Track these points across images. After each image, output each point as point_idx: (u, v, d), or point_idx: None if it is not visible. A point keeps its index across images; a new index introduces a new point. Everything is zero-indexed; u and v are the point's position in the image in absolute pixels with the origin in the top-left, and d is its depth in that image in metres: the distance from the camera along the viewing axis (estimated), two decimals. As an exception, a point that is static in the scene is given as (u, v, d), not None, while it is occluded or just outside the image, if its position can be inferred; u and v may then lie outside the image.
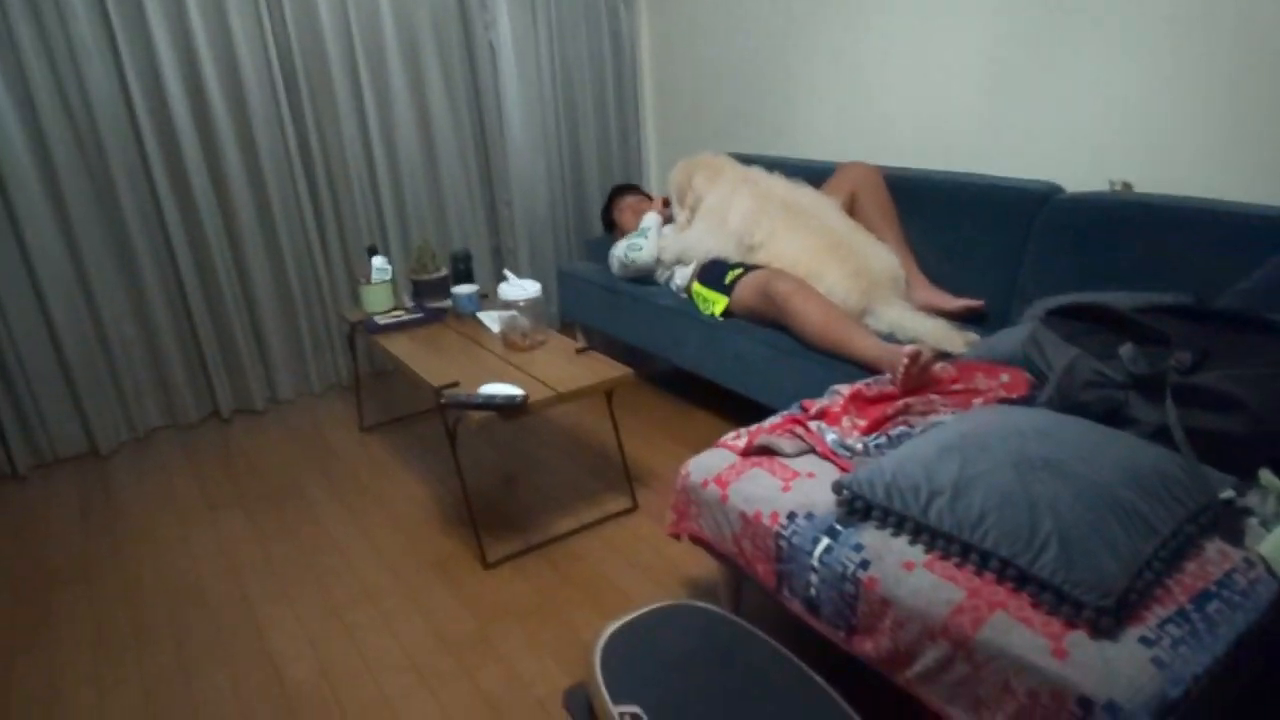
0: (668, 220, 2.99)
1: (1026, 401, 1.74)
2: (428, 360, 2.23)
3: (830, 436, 1.60)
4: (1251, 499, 1.33)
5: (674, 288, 2.83)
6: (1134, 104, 2.15)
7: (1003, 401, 1.74)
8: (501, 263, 3.64)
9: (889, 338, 2.22)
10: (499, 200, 3.51)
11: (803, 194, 2.57)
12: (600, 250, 3.27)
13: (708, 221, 2.69)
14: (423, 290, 2.71)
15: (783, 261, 2.47)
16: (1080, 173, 2.30)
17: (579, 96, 3.55)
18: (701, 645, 1.34)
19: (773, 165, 2.80)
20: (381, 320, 2.54)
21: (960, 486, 1.30)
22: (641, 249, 2.83)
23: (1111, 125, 2.21)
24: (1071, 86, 2.26)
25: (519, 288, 2.24)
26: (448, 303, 2.69)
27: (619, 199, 3.22)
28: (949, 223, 2.47)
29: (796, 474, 1.55)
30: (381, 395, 3.18)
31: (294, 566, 2.09)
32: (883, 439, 1.59)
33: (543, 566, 2.02)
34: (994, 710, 1.16)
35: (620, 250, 2.91)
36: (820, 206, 2.53)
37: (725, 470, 1.61)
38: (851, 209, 2.60)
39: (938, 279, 2.47)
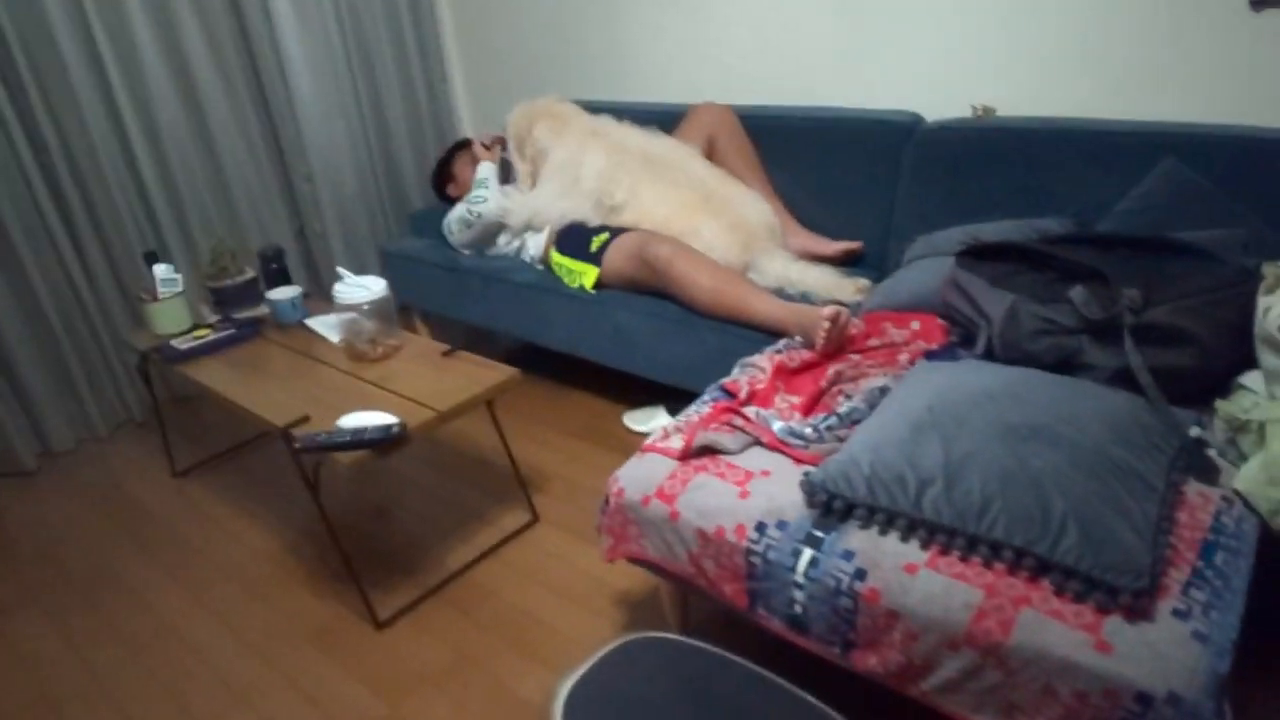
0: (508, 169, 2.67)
1: (951, 352, 1.65)
2: (259, 390, 1.82)
3: (777, 425, 1.42)
4: (1206, 433, 1.31)
5: (527, 258, 2.54)
6: (989, 23, 2.10)
7: (930, 356, 1.64)
8: (309, 249, 3.14)
9: (778, 293, 2.07)
10: (296, 176, 3.00)
11: (660, 144, 2.35)
12: (428, 224, 2.88)
13: (557, 181, 2.40)
14: (227, 299, 2.23)
15: (651, 221, 2.25)
16: (940, 100, 2.24)
17: (373, 44, 3.07)
18: (673, 685, 1.14)
19: (609, 112, 2.54)
20: (182, 344, 2.06)
21: (952, 471, 1.17)
22: (485, 200, 2.50)
23: (968, 47, 2.16)
24: (925, 7, 2.17)
25: (360, 287, 1.87)
26: (262, 311, 2.24)
27: (458, 155, 2.82)
28: (813, 162, 2.35)
29: (750, 474, 1.36)
30: (189, 428, 2.65)
31: (130, 676, 1.65)
32: (832, 419, 1.43)
33: (447, 614, 1.73)
34: (1033, 715, 1.06)
35: (459, 210, 2.56)
36: (682, 157, 2.32)
37: (666, 481, 1.40)
38: (710, 155, 2.41)
39: (809, 223, 2.35)
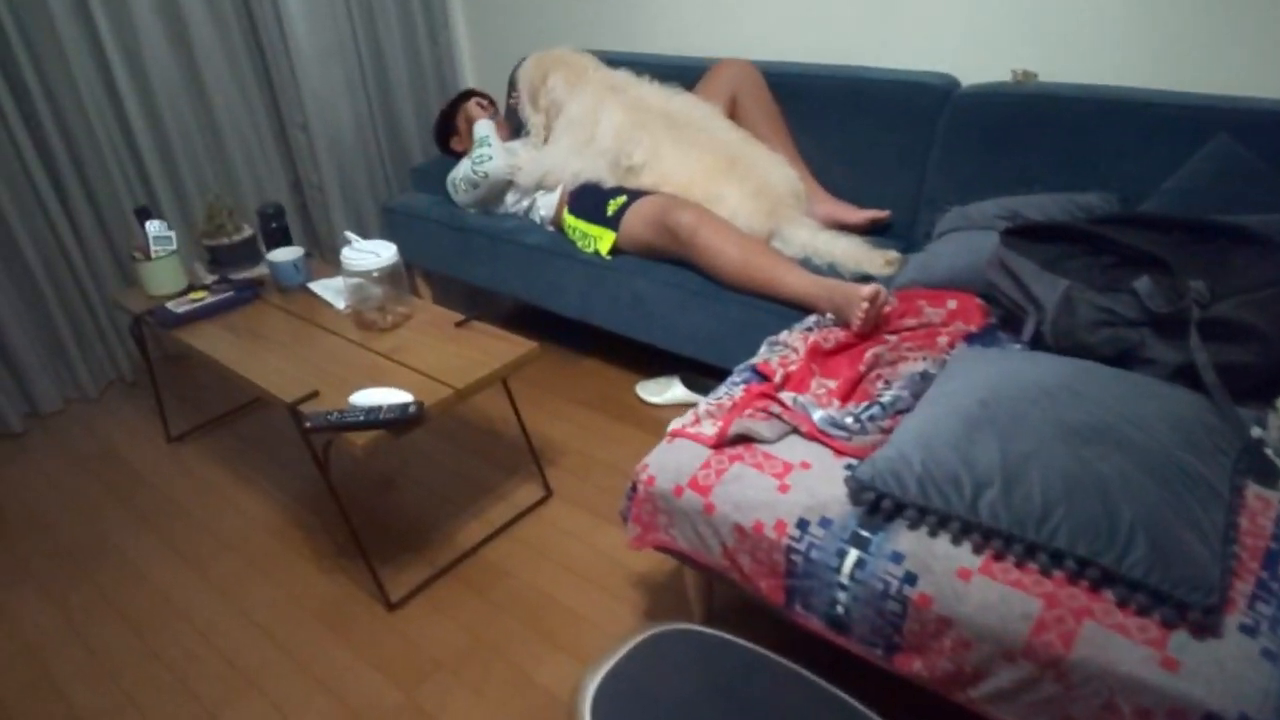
0: (511, 136, 2.55)
1: (992, 335, 1.59)
2: (262, 361, 1.73)
3: (818, 414, 1.36)
4: (1265, 433, 1.25)
5: (537, 219, 2.43)
6: (1034, -17, 1.99)
7: (971, 340, 1.58)
8: (305, 202, 3.01)
9: (804, 264, 1.99)
10: (290, 125, 2.85)
11: (683, 102, 2.23)
12: (430, 179, 2.76)
13: (572, 137, 2.29)
14: (224, 259, 2.12)
15: (672, 184, 2.15)
16: (977, 63, 2.14)
17: (372, -12, 2.90)
18: (706, 683, 1.10)
19: (624, 65, 2.41)
20: (178, 307, 1.95)
21: (1011, 473, 1.11)
22: (491, 158, 2.37)
23: (1008, 6, 2.05)
24: (966, -36, 2.06)
25: (369, 253, 1.77)
26: (261, 271, 2.13)
27: (462, 107, 2.69)
28: (840, 125, 2.25)
29: (789, 466, 1.30)
30: (183, 388, 2.56)
31: (130, 656, 1.60)
32: (875, 408, 1.37)
33: (462, 594, 1.68)
34: (1090, 729, 1.02)
35: (464, 169, 2.44)
36: (705, 116, 2.20)
37: (700, 471, 1.34)
38: (732, 115, 2.30)
39: (834, 189, 2.26)
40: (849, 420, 1.35)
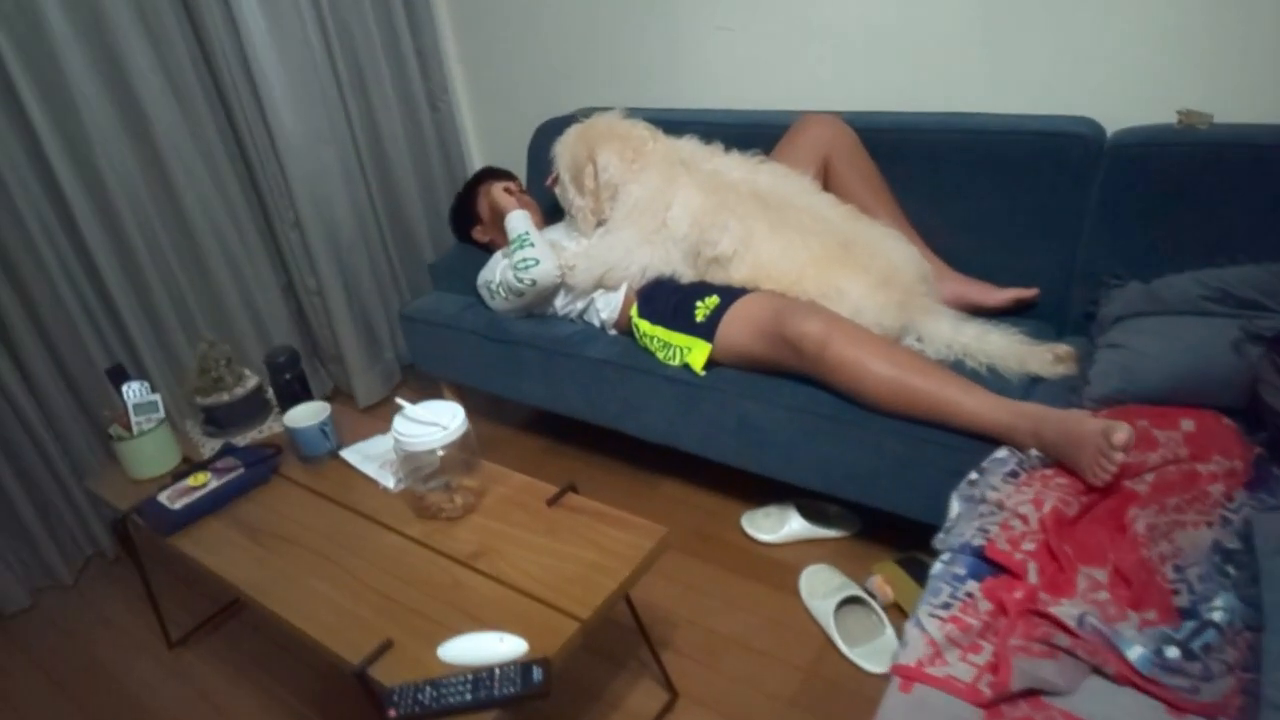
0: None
1: (1268, 475, 1.21)
2: (301, 585, 1.29)
3: (1134, 651, 0.96)
4: None
5: (596, 322, 2.03)
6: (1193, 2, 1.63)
7: (1251, 486, 1.19)
8: (301, 308, 2.57)
9: (955, 368, 1.60)
10: (280, 223, 2.42)
11: (771, 174, 1.84)
12: (455, 275, 2.33)
13: (637, 226, 1.88)
14: (223, 419, 1.68)
15: (774, 278, 1.75)
16: (1122, 103, 1.76)
17: (364, 55, 2.48)
18: None
19: (669, 125, 2.01)
20: (174, 500, 1.50)
21: None
22: (537, 261, 1.95)
23: (1164, 34, 1.68)
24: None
25: (430, 425, 1.33)
26: (271, 429, 1.69)
27: (480, 191, 2.28)
28: (958, 187, 1.87)
29: (1113, 741, 0.90)
30: (180, 565, 2.09)
31: None
32: (1209, 632, 0.97)
33: None
34: None
35: (503, 273, 2.02)
36: (803, 191, 1.82)
37: (975, 750, 0.93)
38: (824, 183, 1.91)
39: (955, 263, 1.88)
40: (1177, 656, 0.95)
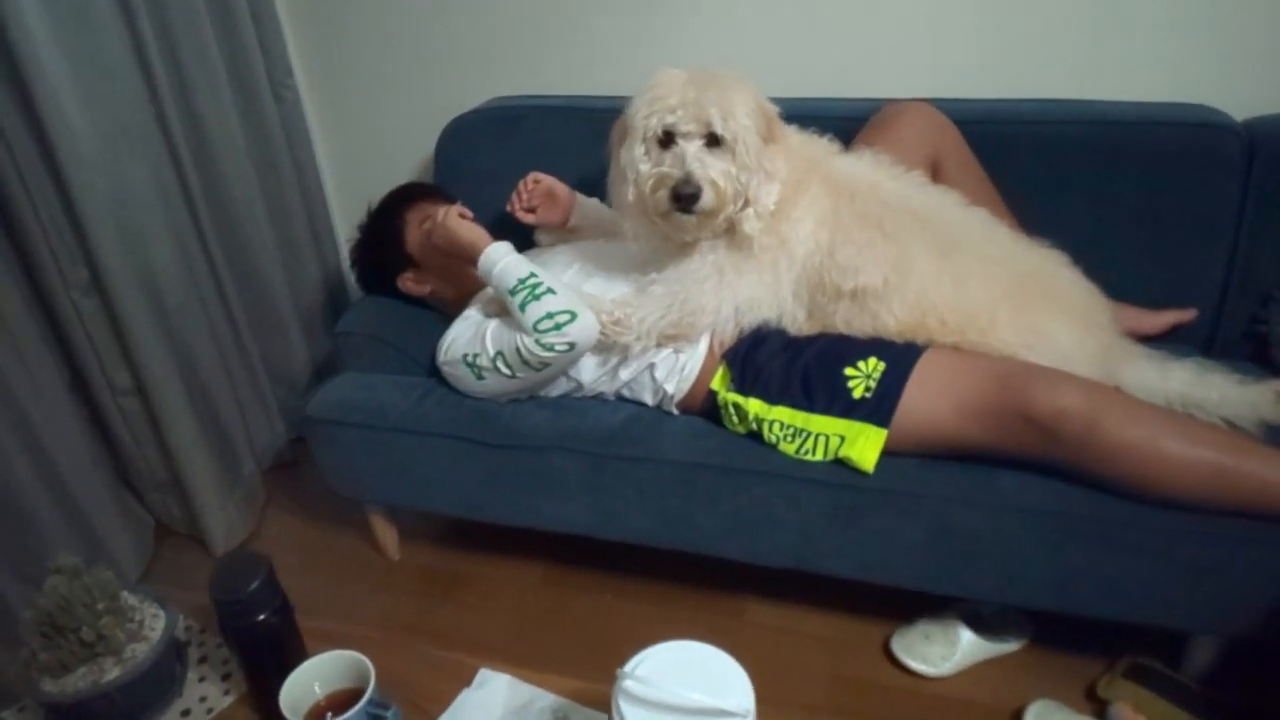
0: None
1: None
2: None
3: None
4: None
5: (650, 399, 1.41)
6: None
7: None
8: (95, 412, 1.62)
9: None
10: (64, 287, 1.48)
11: (907, 181, 1.34)
12: (385, 339, 1.56)
13: (763, 242, 1.28)
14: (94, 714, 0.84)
15: (955, 324, 1.26)
16: (1241, 86, 1.52)
17: (176, 13, 1.58)
18: None
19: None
20: None
21: None
22: (572, 316, 1.28)
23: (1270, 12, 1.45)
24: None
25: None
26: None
27: (418, 213, 1.57)
28: (1076, 188, 1.52)
29: None
30: None
31: None
32: None
33: None
34: None
35: (509, 341, 1.32)
36: (957, 204, 1.34)
37: None
38: (936, 190, 1.47)
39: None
40: None
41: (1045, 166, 1.52)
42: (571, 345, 1.29)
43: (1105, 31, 1.54)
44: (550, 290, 1.30)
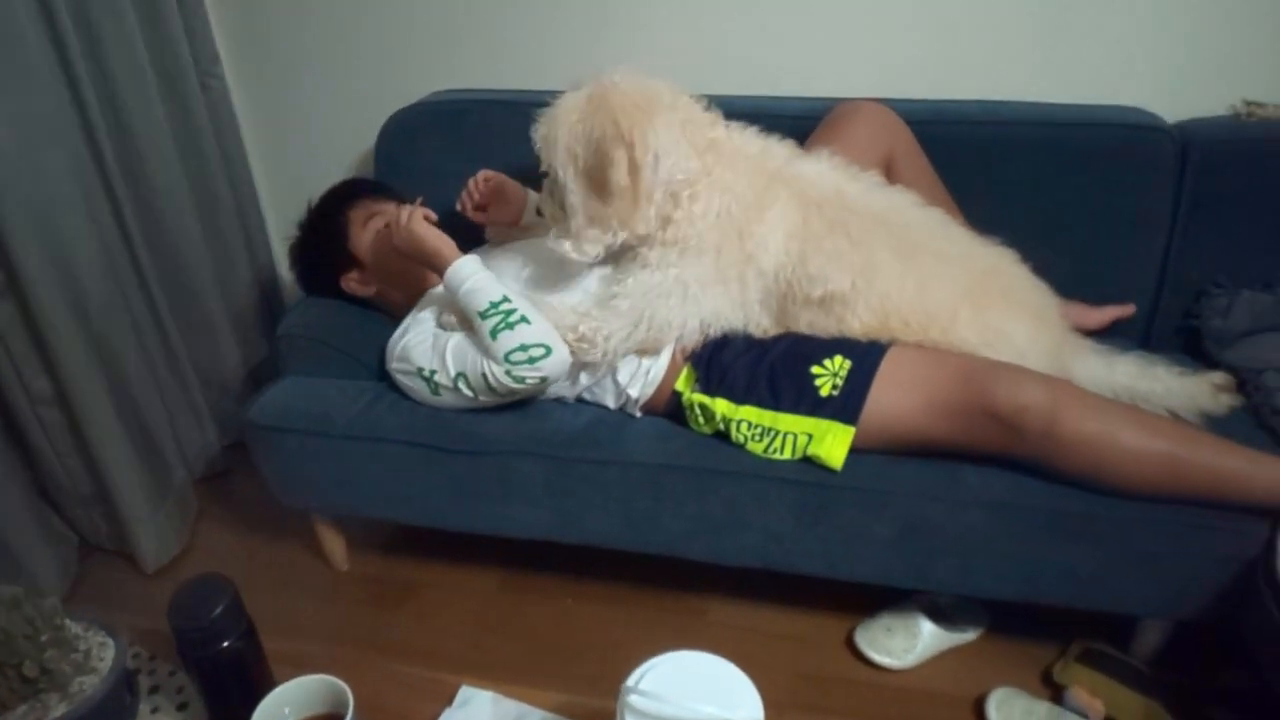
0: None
1: None
2: None
3: None
4: None
5: (612, 402, 1.39)
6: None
7: None
8: (10, 423, 1.50)
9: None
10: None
11: (867, 183, 1.35)
12: (328, 341, 1.49)
13: (718, 253, 1.27)
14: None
15: (918, 325, 1.28)
16: (1170, 91, 1.59)
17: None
18: None
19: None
20: None
21: None
22: (547, 350, 1.24)
23: (1212, 20, 1.52)
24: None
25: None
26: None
27: (365, 211, 1.50)
28: (1020, 187, 1.56)
29: None
30: None
31: None
32: None
33: None
34: None
35: (472, 364, 1.27)
36: (913, 204, 1.36)
37: None
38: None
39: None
40: None
41: (989, 166, 1.56)
42: (544, 379, 1.26)
43: (1048, 36, 1.58)
44: (524, 319, 1.25)
